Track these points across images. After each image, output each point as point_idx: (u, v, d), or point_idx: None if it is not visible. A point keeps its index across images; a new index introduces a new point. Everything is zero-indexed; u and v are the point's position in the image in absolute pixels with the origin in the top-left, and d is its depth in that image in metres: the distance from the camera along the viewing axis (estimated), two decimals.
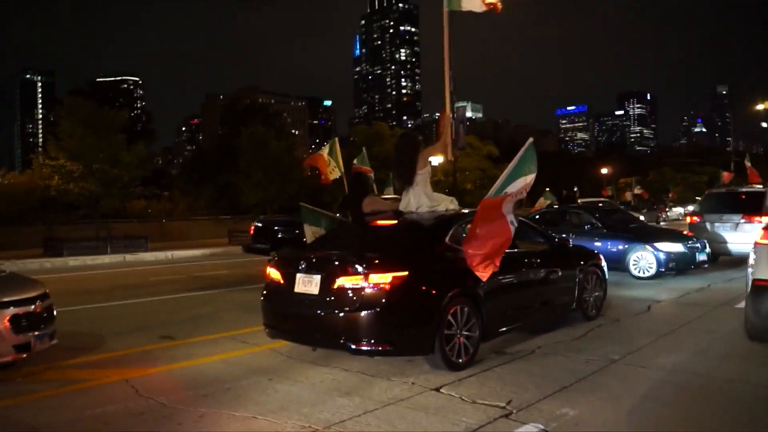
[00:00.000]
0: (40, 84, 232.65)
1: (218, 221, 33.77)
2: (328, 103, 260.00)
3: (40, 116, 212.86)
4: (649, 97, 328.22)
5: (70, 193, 22.51)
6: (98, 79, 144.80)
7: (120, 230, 24.88)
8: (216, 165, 43.54)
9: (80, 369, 6.19)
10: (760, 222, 12.94)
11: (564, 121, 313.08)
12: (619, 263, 11.94)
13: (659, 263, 11.78)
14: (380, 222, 6.90)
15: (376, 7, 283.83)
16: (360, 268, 5.43)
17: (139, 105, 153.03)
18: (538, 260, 7.14)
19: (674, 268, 11.92)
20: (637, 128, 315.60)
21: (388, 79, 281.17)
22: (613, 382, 5.38)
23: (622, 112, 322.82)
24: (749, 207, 13.65)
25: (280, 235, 15.23)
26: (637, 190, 36.65)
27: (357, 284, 5.39)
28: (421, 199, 7.08)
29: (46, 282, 6.70)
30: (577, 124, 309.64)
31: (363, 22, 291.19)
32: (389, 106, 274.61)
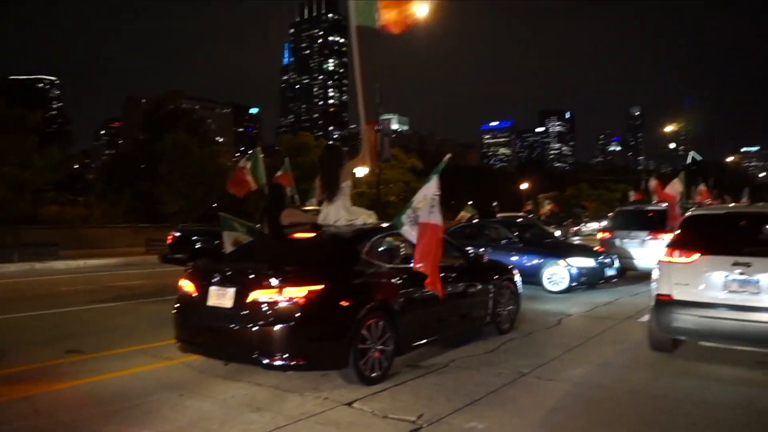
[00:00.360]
0: None
1: (136, 229, 32.65)
2: (255, 110, 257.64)
3: None
4: (568, 116, 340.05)
5: None
6: (10, 77, 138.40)
7: (30, 237, 23.70)
8: (136, 171, 42.20)
9: None
10: (664, 239, 13.66)
11: (488, 136, 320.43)
12: (534, 277, 12.32)
13: (571, 278, 12.22)
14: (298, 235, 6.87)
15: (306, 17, 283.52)
16: (275, 282, 5.39)
17: (55, 106, 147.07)
18: (454, 275, 7.28)
19: (585, 282, 12.39)
20: (557, 145, 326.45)
21: (315, 89, 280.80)
22: (522, 395, 5.54)
23: (543, 129, 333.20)
24: (656, 224, 14.34)
25: (198, 246, 14.91)
26: (546, 205, 37.55)
27: (272, 298, 5.35)
28: (339, 213, 7.10)
29: None
30: (500, 140, 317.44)
31: (292, 30, 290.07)
32: (316, 116, 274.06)
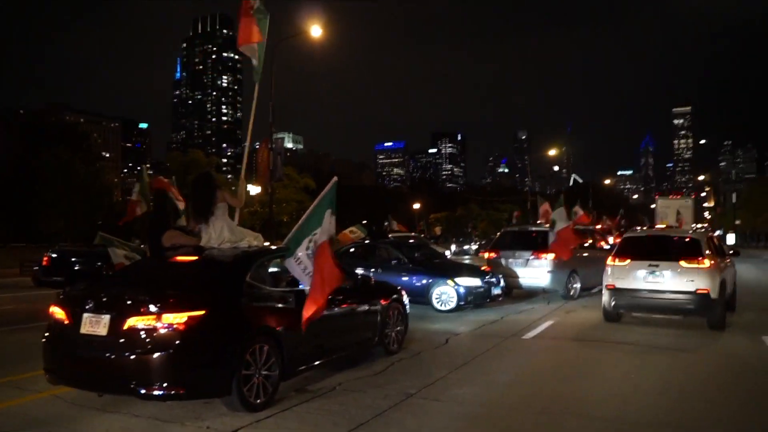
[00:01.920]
0: None
1: (10, 249, 30.57)
2: (144, 125, 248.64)
3: None
4: (459, 138, 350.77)
5: None
6: None
7: None
8: (11, 187, 39.62)
9: None
10: (547, 258, 14.32)
11: (382, 156, 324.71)
12: (423, 297, 12.54)
13: (459, 297, 12.53)
14: (179, 258, 6.65)
15: (200, 31, 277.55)
16: (153, 308, 5.18)
17: None
18: (341, 297, 7.27)
19: (473, 301, 12.73)
20: (449, 166, 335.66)
21: (208, 105, 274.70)
22: (408, 417, 5.58)
23: (435, 150, 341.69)
24: (539, 245, 15.00)
25: (77, 267, 14.15)
26: (396, 227, 35.37)
27: (150, 324, 5.13)
28: (223, 234, 6.96)
29: None
30: (394, 160, 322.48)
31: (185, 45, 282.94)
32: (209, 132, 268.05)
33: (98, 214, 28.72)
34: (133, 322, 5.17)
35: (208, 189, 7.20)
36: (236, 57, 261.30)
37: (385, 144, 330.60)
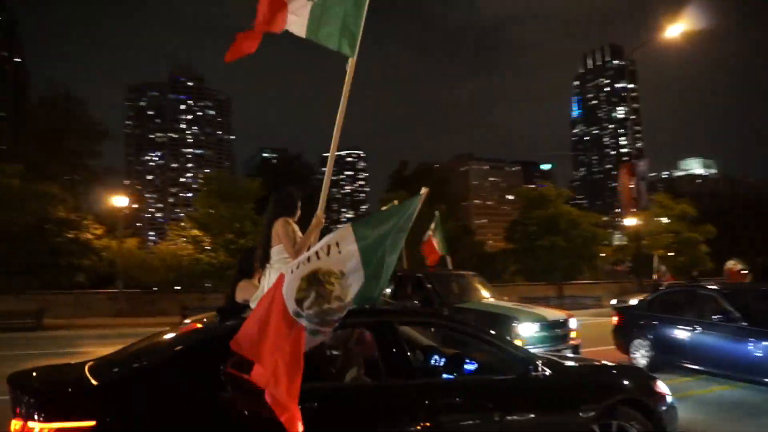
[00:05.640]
0: None
1: None
2: (547, 167, 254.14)
3: None
4: None
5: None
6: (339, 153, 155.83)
7: None
8: None
9: None
10: None
11: None
12: None
13: None
14: (190, 327, 4.58)
15: (590, 66, 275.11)
16: (24, 411, 3.39)
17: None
18: (486, 402, 4.29)
19: None
20: None
21: (606, 139, 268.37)
22: None
23: None
24: None
25: None
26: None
27: None
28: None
29: None
30: None
31: (577, 82, 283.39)
32: (609, 167, 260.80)
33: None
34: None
35: (269, 222, 5.02)
36: (631, 86, 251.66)
37: None
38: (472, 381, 4.85)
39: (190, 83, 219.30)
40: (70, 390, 3.66)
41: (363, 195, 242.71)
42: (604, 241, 36.08)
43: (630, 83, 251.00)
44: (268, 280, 4.82)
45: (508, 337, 9.70)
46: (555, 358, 5.25)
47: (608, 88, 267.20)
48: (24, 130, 38.19)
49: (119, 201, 29.28)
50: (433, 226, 13.67)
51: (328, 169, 5.10)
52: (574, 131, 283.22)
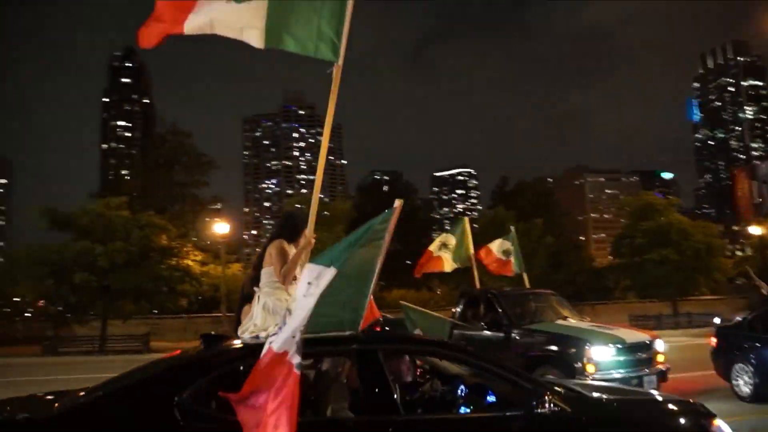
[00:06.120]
0: None
1: None
2: (668, 175, 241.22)
3: None
4: None
5: None
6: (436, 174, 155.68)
7: None
8: None
9: None
10: None
11: None
12: None
13: None
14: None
15: (711, 66, 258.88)
16: None
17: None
18: None
19: None
20: None
21: (733, 142, 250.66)
22: None
23: None
24: None
25: None
26: None
27: None
28: (258, 316, 4.45)
29: None
30: None
31: (697, 84, 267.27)
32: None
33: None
34: None
35: (265, 244, 4.82)
36: (760, 84, 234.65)
37: None
38: (461, 420, 4.22)
39: (302, 111, 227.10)
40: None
41: (475, 213, 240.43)
42: (725, 253, 33.23)
43: (758, 80, 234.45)
44: (257, 304, 4.56)
45: (580, 363, 8.85)
46: (580, 389, 4.51)
47: (733, 88, 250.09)
48: (145, 165, 41.03)
49: (221, 228, 30.36)
50: (499, 241, 12.97)
51: (316, 187, 4.83)
52: (697, 135, 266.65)
